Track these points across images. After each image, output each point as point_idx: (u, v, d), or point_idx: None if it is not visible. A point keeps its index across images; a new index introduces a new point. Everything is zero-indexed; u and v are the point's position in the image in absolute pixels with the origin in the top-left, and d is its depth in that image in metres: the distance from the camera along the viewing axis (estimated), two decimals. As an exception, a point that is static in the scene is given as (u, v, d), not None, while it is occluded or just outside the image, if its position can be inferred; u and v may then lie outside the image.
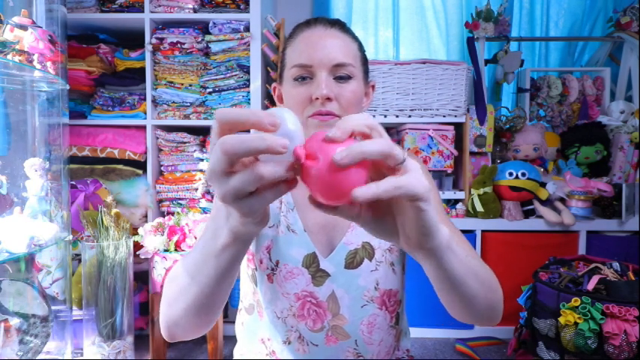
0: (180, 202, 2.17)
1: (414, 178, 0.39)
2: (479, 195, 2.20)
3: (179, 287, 0.57)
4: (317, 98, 0.73)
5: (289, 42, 0.80)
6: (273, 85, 0.86)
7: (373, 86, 0.86)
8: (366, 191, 0.38)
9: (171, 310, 0.59)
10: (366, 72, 0.82)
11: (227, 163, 0.38)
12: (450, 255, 0.48)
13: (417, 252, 0.47)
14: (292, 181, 0.42)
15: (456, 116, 2.21)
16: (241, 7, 2.12)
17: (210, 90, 2.11)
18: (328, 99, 0.73)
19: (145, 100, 2.15)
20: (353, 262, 0.81)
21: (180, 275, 0.57)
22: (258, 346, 0.86)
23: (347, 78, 0.75)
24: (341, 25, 0.79)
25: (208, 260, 0.51)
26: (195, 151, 2.15)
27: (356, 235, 0.82)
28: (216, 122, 0.39)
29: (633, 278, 1.69)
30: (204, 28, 2.14)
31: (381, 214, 0.46)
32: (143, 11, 2.11)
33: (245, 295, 0.88)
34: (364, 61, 0.82)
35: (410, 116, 2.21)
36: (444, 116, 2.21)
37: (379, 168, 0.42)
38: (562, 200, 2.26)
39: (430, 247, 0.46)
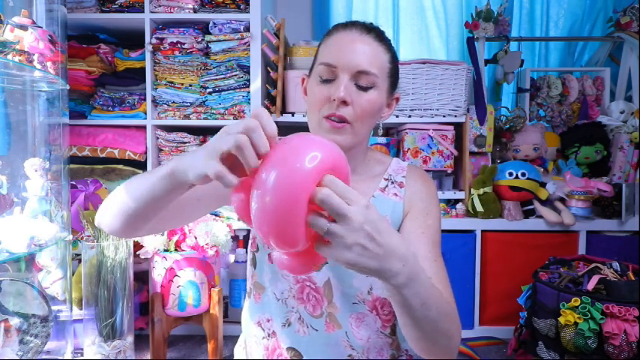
0: (180, 202, 2.17)
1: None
2: (479, 195, 2.20)
3: (115, 196, 0.69)
4: (334, 99, 0.74)
5: (325, 39, 0.81)
6: (302, 76, 0.87)
7: (398, 98, 0.86)
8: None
9: (103, 211, 0.72)
10: (393, 83, 0.82)
11: (244, 132, 0.50)
12: (408, 293, 0.57)
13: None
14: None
15: (456, 116, 2.21)
16: (241, 7, 2.12)
17: (210, 90, 2.11)
18: (344, 102, 0.74)
19: (145, 100, 2.15)
20: None
21: (121, 188, 0.69)
22: (255, 329, 0.88)
23: (368, 87, 0.75)
24: (377, 33, 0.79)
25: (146, 183, 0.62)
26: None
27: None
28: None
29: (633, 278, 1.69)
30: (204, 28, 2.13)
31: None
32: (143, 11, 2.10)
33: (248, 279, 0.91)
34: (393, 72, 0.81)
35: (410, 116, 2.21)
36: (443, 116, 2.21)
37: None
38: (562, 200, 2.26)
39: (389, 286, 0.56)
